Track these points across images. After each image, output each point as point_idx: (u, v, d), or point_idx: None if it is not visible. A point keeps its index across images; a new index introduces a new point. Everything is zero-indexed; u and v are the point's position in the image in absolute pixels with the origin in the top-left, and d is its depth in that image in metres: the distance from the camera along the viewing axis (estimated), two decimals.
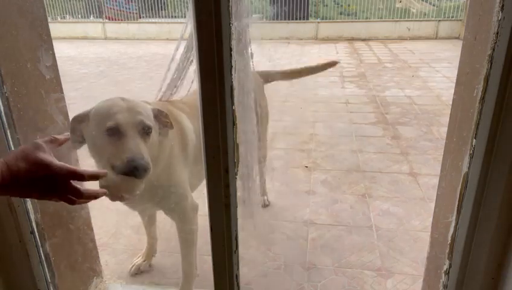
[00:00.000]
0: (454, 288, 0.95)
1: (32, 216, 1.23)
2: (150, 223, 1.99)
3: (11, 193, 0.77)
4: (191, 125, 1.58)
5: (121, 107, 1.20)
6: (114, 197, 1.09)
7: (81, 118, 1.22)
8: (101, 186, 1.03)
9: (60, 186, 0.80)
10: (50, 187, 0.79)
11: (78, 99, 5.09)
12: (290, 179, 3.03)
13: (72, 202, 0.83)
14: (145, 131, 1.21)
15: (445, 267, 0.97)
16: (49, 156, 0.79)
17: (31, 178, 0.75)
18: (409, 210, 2.54)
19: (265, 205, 2.60)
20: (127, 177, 1.10)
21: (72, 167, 0.81)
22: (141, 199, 1.39)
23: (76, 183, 0.83)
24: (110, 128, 1.16)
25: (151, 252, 2.05)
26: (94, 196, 0.88)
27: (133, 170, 1.09)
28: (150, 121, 1.25)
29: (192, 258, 1.68)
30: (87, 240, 1.64)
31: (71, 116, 1.24)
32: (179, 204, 1.56)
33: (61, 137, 0.88)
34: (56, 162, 0.79)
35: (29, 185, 0.76)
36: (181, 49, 1.43)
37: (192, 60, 1.37)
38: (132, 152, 1.12)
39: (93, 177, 0.88)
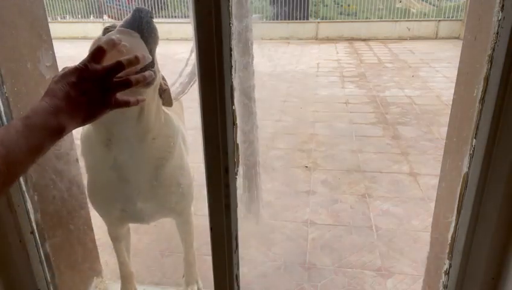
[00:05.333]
0: (454, 288, 0.95)
1: (32, 216, 1.23)
2: (125, 246, 1.69)
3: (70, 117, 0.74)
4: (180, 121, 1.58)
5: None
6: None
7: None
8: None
9: (107, 85, 0.77)
10: (99, 92, 0.76)
11: None
12: (290, 179, 3.03)
13: (127, 104, 0.80)
14: None
15: (445, 267, 0.97)
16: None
17: (81, 89, 0.74)
18: (409, 210, 2.54)
19: None
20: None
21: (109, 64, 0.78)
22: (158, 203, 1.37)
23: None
24: (106, 28, 1.09)
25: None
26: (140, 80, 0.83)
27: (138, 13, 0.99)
28: None
29: (193, 248, 1.71)
30: (87, 240, 1.64)
31: None
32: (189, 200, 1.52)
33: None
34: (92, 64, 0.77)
35: (82, 97, 0.74)
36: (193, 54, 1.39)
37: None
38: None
39: (134, 61, 0.81)
